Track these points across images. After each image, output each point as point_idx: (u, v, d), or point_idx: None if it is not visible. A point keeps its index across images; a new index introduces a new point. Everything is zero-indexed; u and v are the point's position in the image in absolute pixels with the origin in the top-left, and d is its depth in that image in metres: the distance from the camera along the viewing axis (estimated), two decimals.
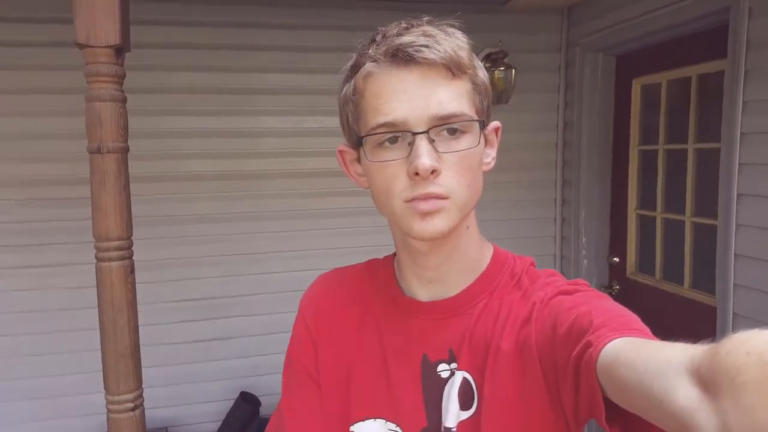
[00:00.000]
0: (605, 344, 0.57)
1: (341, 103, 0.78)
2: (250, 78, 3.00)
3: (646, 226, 2.94)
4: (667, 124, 2.77)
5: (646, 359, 0.50)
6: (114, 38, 1.41)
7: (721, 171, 2.29)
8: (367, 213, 2.97)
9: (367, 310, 0.85)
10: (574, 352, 0.62)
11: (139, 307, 1.55)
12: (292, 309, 0.94)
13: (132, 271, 1.52)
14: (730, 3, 2.18)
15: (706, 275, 2.49)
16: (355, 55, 0.76)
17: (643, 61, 2.86)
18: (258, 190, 3.06)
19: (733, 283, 2.27)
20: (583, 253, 3.18)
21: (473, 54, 0.75)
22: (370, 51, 0.73)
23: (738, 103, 2.19)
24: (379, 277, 0.87)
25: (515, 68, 3.04)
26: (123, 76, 1.48)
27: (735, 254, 2.26)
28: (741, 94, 2.18)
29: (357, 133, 0.75)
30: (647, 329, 0.62)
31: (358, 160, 0.78)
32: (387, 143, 0.71)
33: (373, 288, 0.86)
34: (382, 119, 0.70)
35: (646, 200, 2.92)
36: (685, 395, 0.42)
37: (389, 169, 0.71)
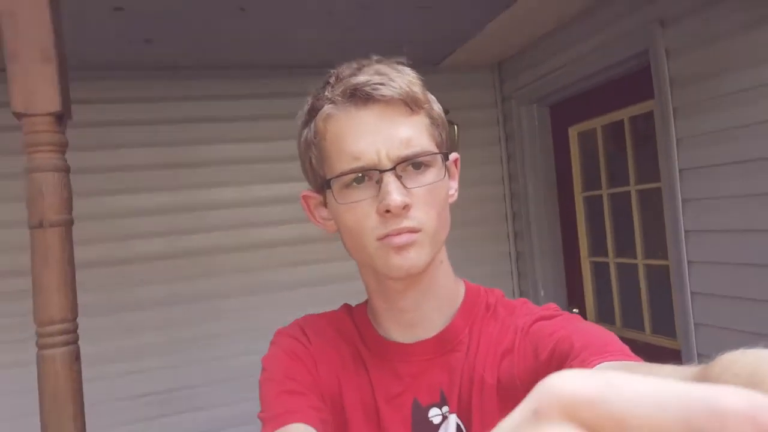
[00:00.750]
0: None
1: (302, 148, 0.78)
2: (195, 151, 2.92)
3: (600, 272, 2.89)
4: (607, 168, 2.77)
5: None
6: (54, 105, 1.34)
7: (665, 209, 2.27)
8: (328, 281, 2.87)
9: (356, 352, 0.81)
10: None
11: (86, 409, 1.40)
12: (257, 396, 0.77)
13: (78, 358, 1.38)
14: (647, 45, 2.22)
15: (665, 318, 2.43)
16: (310, 99, 0.77)
17: (576, 109, 2.89)
18: (210, 267, 2.91)
19: (693, 323, 2.21)
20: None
21: (425, 88, 0.76)
22: (326, 93, 0.73)
23: (672, 141, 2.19)
24: (357, 324, 0.84)
25: (457, 125, 3.04)
26: (65, 145, 1.39)
27: (691, 292, 2.21)
28: (673, 132, 2.18)
29: (322, 177, 0.75)
30: (626, 347, 0.63)
31: (324, 203, 0.78)
32: (354, 183, 0.71)
33: (352, 335, 0.83)
34: (351, 164, 0.70)
35: (597, 246, 2.89)
36: None
37: (359, 209, 0.71)
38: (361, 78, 0.71)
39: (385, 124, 0.70)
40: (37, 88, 1.33)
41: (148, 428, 2.77)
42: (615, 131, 2.69)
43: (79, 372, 1.36)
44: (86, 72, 2.69)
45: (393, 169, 0.70)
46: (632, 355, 0.61)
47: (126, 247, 2.81)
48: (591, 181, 2.90)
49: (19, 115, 1.33)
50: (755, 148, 1.90)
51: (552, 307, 0.78)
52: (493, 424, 0.65)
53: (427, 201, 0.71)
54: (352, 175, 0.71)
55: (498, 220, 3.32)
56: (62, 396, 1.33)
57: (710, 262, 2.13)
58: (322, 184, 0.75)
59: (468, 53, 3.02)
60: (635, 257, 2.61)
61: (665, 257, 2.34)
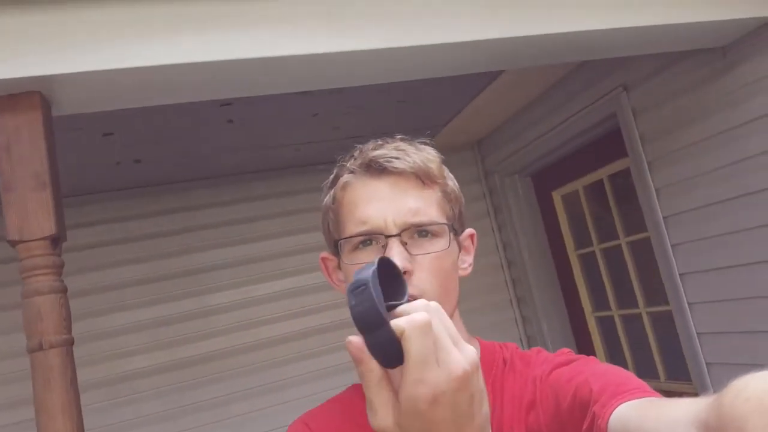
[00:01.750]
0: (610, 413, 0.59)
1: (323, 213, 0.83)
2: (191, 259, 3.00)
3: (606, 326, 2.96)
4: (595, 225, 2.90)
5: (656, 422, 0.52)
6: (49, 229, 1.37)
7: (657, 257, 2.38)
8: (334, 373, 2.88)
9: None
10: (584, 427, 0.63)
11: None
12: None
13: None
14: (614, 108, 2.42)
15: (678, 362, 2.48)
16: (335, 169, 0.82)
17: (557, 174, 3.06)
18: (213, 373, 2.92)
19: (705, 363, 2.26)
20: None
21: (444, 167, 0.81)
22: (348, 164, 0.79)
23: (651, 192, 2.34)
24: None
25: None
26: (62, 266, 1.41)
27: (697, 333, 2.28)
28: (651, 183, 2.33)
29: (336, 239, 0.79)
30: (644, 384, 0.65)
31: (340, 266, 0.80)
32: (362, 246, 0.75)
33: (364, 412, 0.83)
34: (359, 228, 0.74)
35: (599, 301, 2.97)
36: None
37: None
38: (380, 152, 0.77)
39: (396, 194, 0.74)
40: (33, 214, 1.37)
41: None
42: (597, 190, 2.85)
43: None
44: (79, 197, 2.81)
45: (398, 235, 0.73)
46: (651, 390, 0.63)
47: (125, 364, 2.82)
48: (582, 239, 3.02)
49: (13, 243, 1.37)
50: (726, 190, 2.05)
51: (565, 351, 0.80)
52: None
53: (431, 269, 0.73)
54: (360, 238, 0.75)
55: (499, 288, 3.41)
56: None
57: (709, 301, 2.22)
58: (335, 246, 0.79)
59: (447, 136, 3.21)
60: (637, 306, 2.69)
61: (666, 302, 2.42)
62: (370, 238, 0.75)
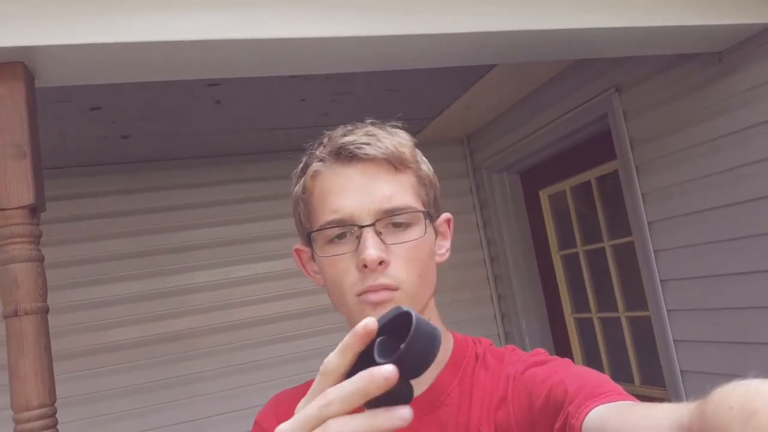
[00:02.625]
0: (586, 414, 0.57)
1: (293, 203, 0.80)
2: (172, 237, 3.00)
3: (584, 328, 2.95)
4: (580, 226, 2.89)
5: (634, 427, 0.51)
6: (28, 198, 1.39)
7: (639, 262, 2.37)
8: (309, 357, 2.88)
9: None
10: (556, 426, 0.61)
11: None
12: None
13: None
14: (606, 109, 2.39)
15: (653, 367, 2.48)
16: (304, 157, 0.79)
17: (545, 173, 3.04)
18: (189, 350, 2.92)
19: (680, 370, 2.26)
20: None
21: (417, 150, 0.78)
22: (317, 152, 0.76)
23: (638, 197, 2.32)
24: None
25: None
26: (39, 236, 1.43)
27: (674, 340, 2.28)
28: (638, 188, 2.32)
29: (309, 230, 0.76)
30: (619, 387, 0.63)
31: (313, 257, 0.78)
32: (336, 239, 0.72)
33: None
34: (329, 215, 0.72)
35: (579, 302, 2.96)
36: None
37: (339, 263, 0.72)
38: (349, 138, 0.74)
39: (368, 182, 0.72)
40: (12, 182, 1.39)
41: None
42: (584, 191, 2.83)
43: None
44: (64, 169, 2.79)
45: (372, 225, 0.71)
46: (626, 394, 0.62)
47: (102, 336, 2.82)
48: (566, 239, 3.01)
49: None
50: (713, 198, 2.03)
51: (540, 352, 0.78)
52: None
53: (407, 258, 0.71)
54: (335, 230, 0.72)
55: (480, 284, 3.39)
56: None
57: (688, 309, 2.22)
58: (308, 238, 0.77)
59: (437, 129, 3.18)
60: (617, 310, 2.69)
61: (646, 308, 2.42)
62: (344, 230, 0.72)
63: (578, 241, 2.89)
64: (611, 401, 0.59)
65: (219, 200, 3.08)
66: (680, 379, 2.25)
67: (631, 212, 2.37)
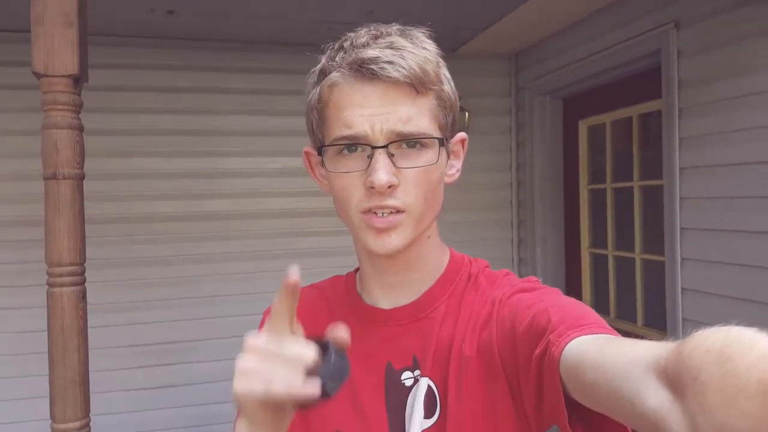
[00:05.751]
0: (566, 343, 0.58)
1: (307, 108, 0.78)
2: (208, 120, 3.03)
3: (599, 264, 2.97)
4: (613, 162, 2.83)
5: (613, 360, 0.51)
6: (72, 68, 1.44)
7: (664, 206, 2.34)
8: (329, 253, 2.94)
9: (339, 318, 0.83)
10: (536, 353, 0.62)
11: (90, 353, 1.53)
12: None
13: (84, 298, 1.50)
14: (660, 45, 2.28)
15: (658, 312, 2.50)
16: (323, 59, 0.76)
17: (588, 103, 2.95)
18: (218, 231, 3.04)
19: (682, 318, 2.29)
20: None
21: (441, 66, 0.75)
22: (336, 59, 0.73)
23: (675, 140, 2.25)
24: (342, 290, 0.87)
25: (469, 111, 3.11)
26: (80, 105, 1.50)
27: (682, 288, 2.29)
28: (677, 131, 2.24)
29: (320, 141, 0.76)
30: (603, 321, 0.64)
31: (322, 164, 0.77)
32: (346, 151, 0.72)
33: (338, 300, 0.86)
34: (343, 131, 0.71)
35: (598, 238, 2.96)
36: (655, 396, 0.43)
37: (347, 179, 0.72)
38: (371, 52, 0.70)
39: (386, 103, 0.70)
40: (58, 51, 1.43)
41: (146, 375, 2.94)
42: (624, 127, 2.75)
43: (84, 310, 1.50)
44: (108, 38, 2.79)
45: (386, 146, 0.70)
46: (608, 327, 0.63)
47: (134, 206, 2.94)
48: (597, 174, 2.96)
49: (38, 75, 1.45)
50: (754, 151, 1.97)
51: (533, 279, 0.79)
52: (471, 394, 0.73)
53: (416, 182, 0.71)
54: (345, 143, 0.72)
55: (503, 206, 3.40)
56: (68, 330, 1.46)
57: (702, 260, 2.21)
58: (319, 148, 0.76)
59: (486, 41, 3.07)
60: (633, 251, 2.69)
61: (662, 253, 2.41)
62: (357, 145, 0.71)
63: (608, 178, 2.85)
64: (592, 333, 0.60)
65: (257, 89, 3.07)
66: (681, 326, 2.28)
67: (665, 155, 2.31)
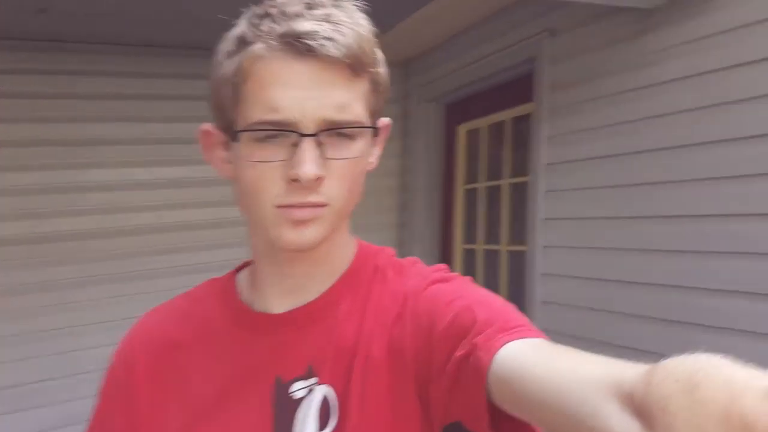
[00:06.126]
0: (497, 348, 0.54)
1: (216, 82, 0.66)
2: (72, 128, 2.75)
3: (470, 259, 3.14)
4: (488, 163, 3.06)
5: (565, 378, 0.48)
6: None
7: (529, 199, 2.55)
8: (209, 269, 2.77)
9: (210, 333, 0.74)
10: (458, 354, 0.57)
11: None
12: None
13: None
14: (536, 52, 2.53)
15: (517, 300, 2.68)
16: (243, 24, 0.64)
17: (467, 108, 3.17)
18: (77, 253, 2.72)
19: (539, 300, 2.47)
20: None
21: (376, 45, 0.67)
22: (263, 27, 0.62)
23: (543, 138, 2.49)
24: (221, 297, 0.77)
25: None
26: None
27: (542, 273, 2.48)
28: (545, 130, 2.48)
29: (232, 122, 0.65)
30: (526, 320, 0.61)
31: (226, 146, 0.68)
32: (266, 138, 0.63)
33: (215, 308, 0.76)
34: (267, 115, 0.61)
35: (470, 234, 3.15)
36: (620, 423, 0.41)
37: (263, 169, 0.63)
38: (307, 25, 0.61)
39: (320, 85, 0.62)
40: None
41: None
42: (498, 130, 2.99)
43: None
44: None
45: (315, 135, 0.62)
46: (536, 329, 0.59)
47: None
48: (472, 175, 3.17)
49: None
50: (613, 146, 2.21)
51: (442, 268, 0.73)
52: (377, 399, 0.68)
53: (343, 175, 0.64)
54: (266, 132, 0.63)
55: (388, 210, 3.50)
56: None
57: (564, 246, 2.42)
58: (231, 132, 0.65)
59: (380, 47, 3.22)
60: (499, 243, 2.89)
61: (525, 244, 2.61)
62: (279, 132, 0.62)
63: (482, 177, 3.06)
64: (524, 337, 0.56)
65: (127, 94, 2.82)
66: (538, 309, 2.46)
67: (533, 153, 2.54)
